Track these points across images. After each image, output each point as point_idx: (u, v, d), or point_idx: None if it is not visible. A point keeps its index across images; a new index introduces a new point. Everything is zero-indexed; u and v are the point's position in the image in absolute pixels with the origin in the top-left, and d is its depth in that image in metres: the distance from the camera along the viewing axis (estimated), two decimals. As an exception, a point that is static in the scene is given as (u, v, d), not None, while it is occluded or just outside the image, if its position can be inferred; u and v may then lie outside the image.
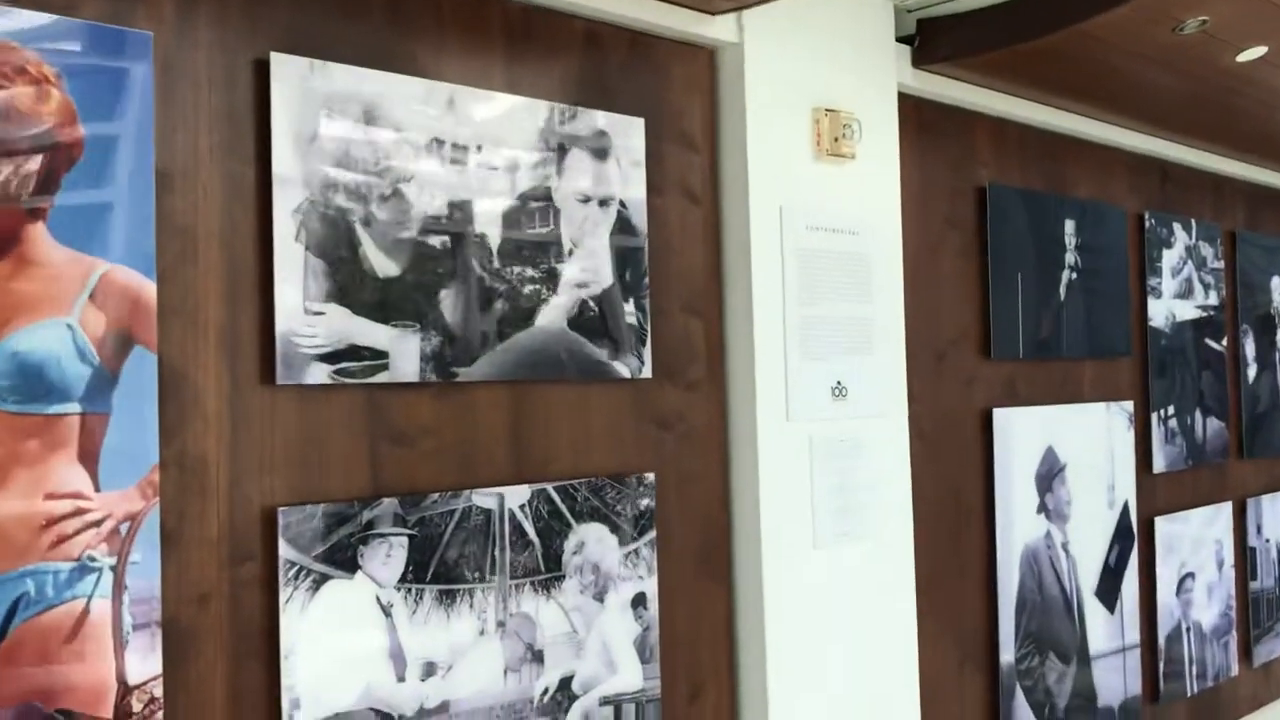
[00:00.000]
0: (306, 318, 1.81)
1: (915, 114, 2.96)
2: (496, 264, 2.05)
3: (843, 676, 2.58)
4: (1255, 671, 4.30)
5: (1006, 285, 3.20)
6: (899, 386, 2.78)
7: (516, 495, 2.06)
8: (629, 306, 2.25)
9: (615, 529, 2.21)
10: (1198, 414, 4.00)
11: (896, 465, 2.76)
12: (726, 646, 2.46)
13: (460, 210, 2.00)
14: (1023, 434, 3.23)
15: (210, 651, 1.71)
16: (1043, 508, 3.28)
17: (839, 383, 2.62)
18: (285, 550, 1.77)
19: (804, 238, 2.57)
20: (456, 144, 2.00)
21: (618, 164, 2.25)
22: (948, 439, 3.04)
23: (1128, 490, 3.63)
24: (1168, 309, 3.88)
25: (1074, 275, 3.45)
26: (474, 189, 2.02)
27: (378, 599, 1.88)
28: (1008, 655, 3.13)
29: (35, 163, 1.55)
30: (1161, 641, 3.76)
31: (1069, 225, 3.44)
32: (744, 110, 2.47)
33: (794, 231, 2.54)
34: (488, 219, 2.04)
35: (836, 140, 2.61)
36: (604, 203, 2.23)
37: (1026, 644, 3.19)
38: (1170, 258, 3.91)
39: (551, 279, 2.13)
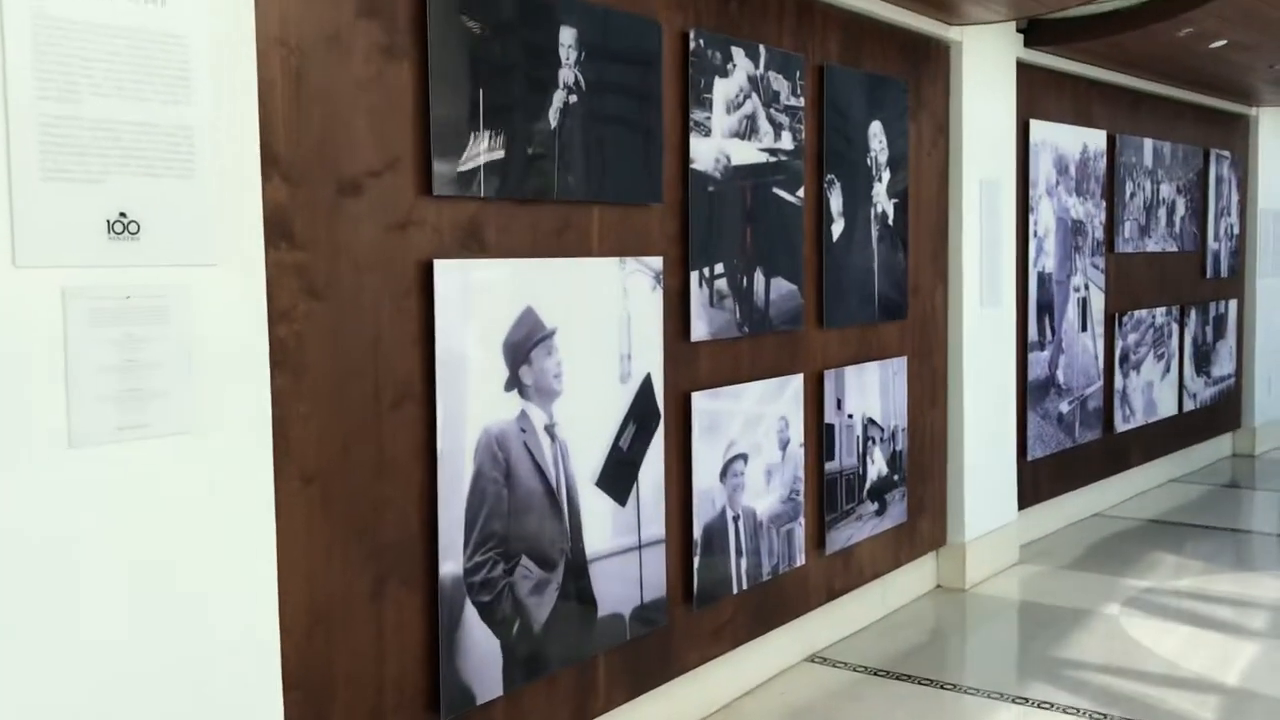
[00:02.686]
0: None
1: None
2: None
3: (125, 623, 1.89)
4: (830, 559, 3.92)
5: (459, 102, 2.50)
6: (248, 227, 2.05)
7: None
8: None
9: None
10: (759, 275, 3.47)
11: (241, 332, 2.04)
12: (-88, 590, 1.72)
13: None
14: (484, 293, 2.58)
15: None
16: (515, 383, 2.66)
17: (123, 215, 1.86)
18: None
19: (45, 1, 1.77)
20: None
21: None
22: (360, 298, 2.35)
23: (651, 361, 3.07)
24: (719, 150, 3.29)
25: (572, 98, 2.78)
26: None
27: None
28: (452, 565, 2.52)
29: None
30: (698, 534, 3.27)
31: (567, 34, 2.76)
32: None
33: (28, -10, 1.74)
34: None
35: None
36: None
37: (485, 549, 2.60)
38: (726, 89, 3.31)
39: None
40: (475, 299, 2.55)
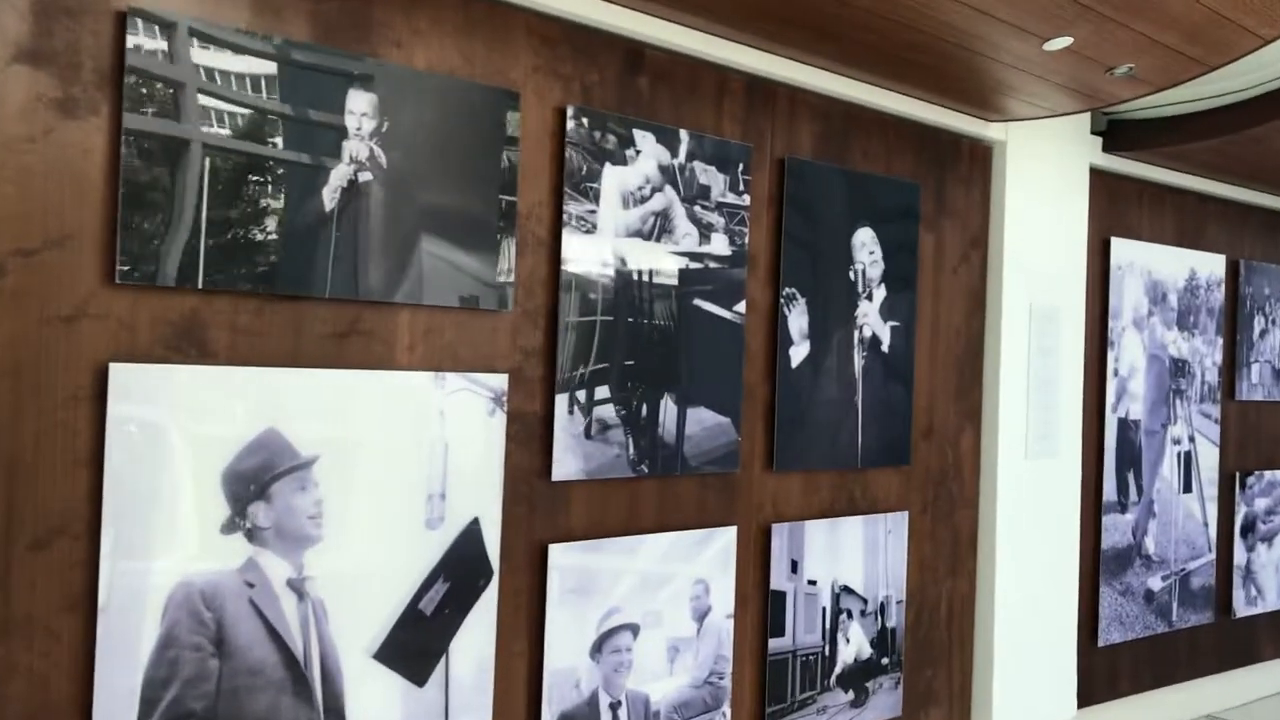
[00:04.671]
0: None
1: None
2: None
3: None
4: (779, 758, 3.16)
5: (173, 169, 2.02)
6: None
7: None
8: None
9: None
10: (667, 402, 2.83)
11: None
12: None
13: None
14: (193, 408, 2.05)
15: None
16: (240, 524, 2.11)
17: None
18: None
19: None
20: None
21: None
22: (-9, 406, 1.87)
23: (481, 503, 2.47)
24: (610, 250, 2.71)
25: (364, 175, 2.27)
26: None
27: None
28: (112, 757, 1.97)
29: None
30: (550, 724, 2.61)
31: (359, 99, 2.27)
32: None
33: None
34: None
35: None
36: None
37: (173, 738, 2.03)
38: (622, 179, 2.73)
39: None
40: (176, 415, 2.03)
